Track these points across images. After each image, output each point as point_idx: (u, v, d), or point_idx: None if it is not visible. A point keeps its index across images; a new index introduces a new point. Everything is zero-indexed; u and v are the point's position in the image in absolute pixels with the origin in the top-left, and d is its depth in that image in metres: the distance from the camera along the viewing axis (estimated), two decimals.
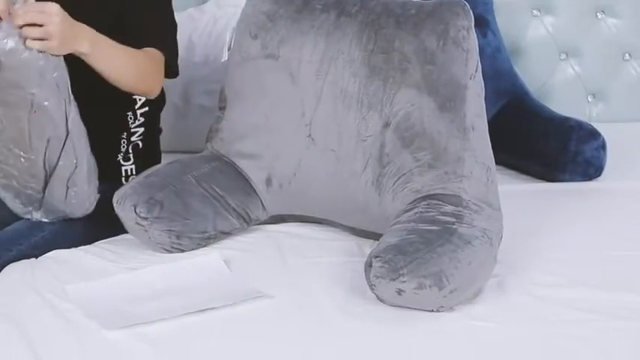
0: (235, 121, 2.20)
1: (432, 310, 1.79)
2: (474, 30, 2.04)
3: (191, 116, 2.65)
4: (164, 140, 2.38)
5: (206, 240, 2.09)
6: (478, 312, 1.81)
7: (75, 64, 2.01)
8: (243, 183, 2.17)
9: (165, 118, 2.37)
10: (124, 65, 2.09)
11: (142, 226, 2.04)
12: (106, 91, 2.11)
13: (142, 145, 2.28)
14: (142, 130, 2.27)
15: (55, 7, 1.93)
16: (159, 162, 2.29)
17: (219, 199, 2.12)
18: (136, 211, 2.03)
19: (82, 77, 2.03)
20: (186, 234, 2.06)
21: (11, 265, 2.01)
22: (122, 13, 2.15)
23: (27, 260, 2.02)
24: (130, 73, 2.11)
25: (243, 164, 2.18)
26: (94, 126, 2.09)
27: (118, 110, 2.23)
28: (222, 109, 2.23)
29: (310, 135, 2.10)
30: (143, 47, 2.13)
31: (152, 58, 2.15)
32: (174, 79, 2.28)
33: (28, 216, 2.11)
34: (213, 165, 2.18)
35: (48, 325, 1.78)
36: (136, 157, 2.27)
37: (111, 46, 2.07)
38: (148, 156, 2.28)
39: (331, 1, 2.14)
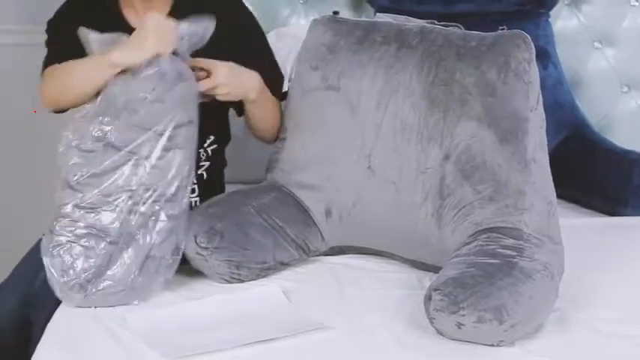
0: (295, 152, 2.21)
1: (492, 345, 1.78)
2: (535, 62, 2.03)
3: (251, 147, 2.66)
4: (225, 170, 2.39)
5: (265, 270, 2.09)
6: (538, 347, 1.79)
7: None
8: (302, 214, 2.18)
9: (227, 148, 2.38)
10: (271, 112, 2.22)
11: (202, 255, 2.05)
12: None
13: (207, 176, 2.27)
14: (207, 164, 2.27)
15: (222, 65, 2.05)
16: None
17: (278, 230, 2.13)
18: (196, 241, 2.04)
19: None
20: (246, 264, 2.07)
21: None
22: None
23: None
24: (274, 120, 2.24)
25: (302, 195, 2.19)
26: None
27: None
28: (282, 140, 2.24)
29: (370, 167, 2.10)
30: None
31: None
32: None
33: None
34: (272, 195, 2.19)
35: (108, 353, 1.79)
36: (201, 189, 2.25)
37: (268, 93, 2.18)
38: (212, 188, 2.27)
39: (392, 33, 2.14)
